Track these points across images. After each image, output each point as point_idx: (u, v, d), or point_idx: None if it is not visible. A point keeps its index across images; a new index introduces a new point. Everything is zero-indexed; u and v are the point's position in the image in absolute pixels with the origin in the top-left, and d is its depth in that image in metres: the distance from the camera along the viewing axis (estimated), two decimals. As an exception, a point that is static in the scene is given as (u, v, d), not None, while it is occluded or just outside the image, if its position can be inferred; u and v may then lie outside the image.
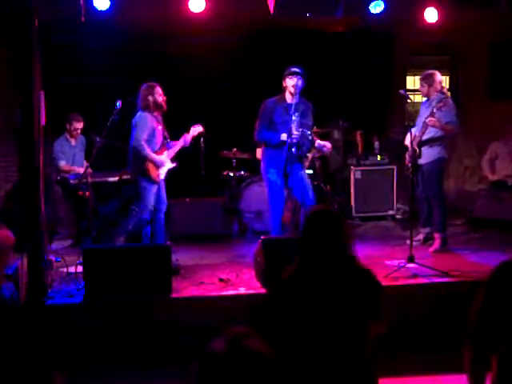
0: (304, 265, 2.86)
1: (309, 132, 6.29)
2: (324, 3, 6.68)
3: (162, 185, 6.35)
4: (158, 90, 6.16)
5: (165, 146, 6.33)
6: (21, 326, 4.42)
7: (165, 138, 6.34)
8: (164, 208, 6.39)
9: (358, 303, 2.79)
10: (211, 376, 1.63)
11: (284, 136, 6.15)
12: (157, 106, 6.16)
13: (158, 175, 6.19)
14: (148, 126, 6.11)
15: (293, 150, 6.16)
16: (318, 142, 6.53)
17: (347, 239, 2.89)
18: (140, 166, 6.14)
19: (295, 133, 6.12)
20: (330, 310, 2.78)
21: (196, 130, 6.46)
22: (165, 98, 6.19)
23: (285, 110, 6.24)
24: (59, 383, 2.98)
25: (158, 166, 6.17)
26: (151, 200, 6.19)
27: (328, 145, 6.56)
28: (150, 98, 6.12)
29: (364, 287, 2.83)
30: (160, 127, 6.24)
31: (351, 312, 2.78)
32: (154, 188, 6.21)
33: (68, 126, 7.55)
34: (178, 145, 6.38)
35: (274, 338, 2.58)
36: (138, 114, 6.16)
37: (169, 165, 6.30)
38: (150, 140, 6.14)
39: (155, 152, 6.19)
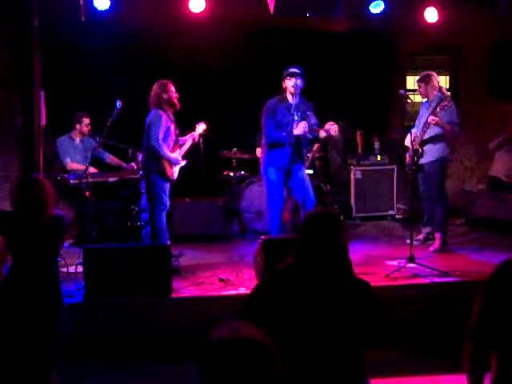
0: (299, 262, 2.86)
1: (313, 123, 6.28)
2: (324, 3, 6.69)
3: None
4: (171, 87, 6.14)
5: (177, 145, 6.34)
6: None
7: (176, 136, 6.35)
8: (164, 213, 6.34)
9: (348, 309, 2.79)
10: (216, 363, 1.63)
11: (298, 129, 6.14)
12: (170, 103, 6.13)
13: (173, 173, 6.20)
14: (163, 124, 6.08)
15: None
16: (323, 130, 6.26)
17: (344, 242, 2.89)
18: (156, 164, 6.12)
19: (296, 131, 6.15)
20: (316, 310, 2.77)
21: (201, 127, 6.50)
22: (177, 96, 6.17)
23: (287, 111, 6.24)
24: (55, 381, 2.99)
25: (173, 164, 6.19)
26: (166, 199, 6.19)
27: (331, 126, 6.21)
28: (164, 96, 6.08)
29: (359, 296, 2.83)
30: (172, 125, 6.24)
31: (339, 315, 2.77)
32: (168, 186, 6.22)
33: (78, 126, 7.46)
34: (187, 143, 6.41)
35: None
36: (152, 112, 6.13)
37: (181, 163, 6.32)
38: (165, 138, 6.12)
39: (170, 150, 6.20)
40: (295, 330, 2.78)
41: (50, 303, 4.30)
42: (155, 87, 6.14)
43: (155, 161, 6.12)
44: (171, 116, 6.24)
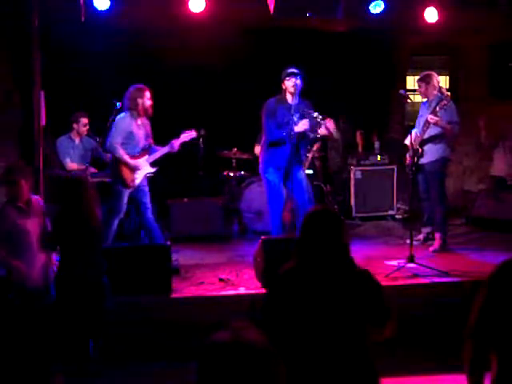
0: (301, 263, 2.86)
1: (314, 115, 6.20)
2: (324, 3, 6.69)
3: (146, 191, 6.18)
4: (147, 93, 6.03)
5: (146, 151, 6.16)
6: (21, 325, 4.43)
7: (148, 143, 6.18)
8: (149, 213, 6.18)
9: (356, 303, 2.79)
10: (215, 365, 1.63)
11: (301, 125, 6.14)
12: (143, 109, 6.02)
13: (133, 180, 6.02)
14: (124, 128, 5.98)
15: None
16: (321, 129, 6.28)
17: (346, 240, 2.88)
18: (114, 169, 6.04)
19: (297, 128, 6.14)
20: (327, 308, 2.77)
21: (188, 135, 6.27)
22: (151, 103, 6.05)
23: (287, 111, 6.23)
24: (59, 382, 3.00)
25: (132, 169, 6.01)
26: (122, 205, 6.03)
27: (328, 123, 6.21)
28: (140, 101, 5.99)
29: (363, 288, 2.82)
30: (141, 131, 6.08)
31: (348, 311, 2.77)
32: (127, 192, 6.05)
33: (76, 126, 7.41)
34: (161, 150, 6.20)
35: (273, 334, 2.59)
36: (121, 115, 6.07)
37: (147, 169, 6.13)
38: (126, 143, 6.00)
39: (134, 156, 6.04)
40: (309, 329, 2.77)
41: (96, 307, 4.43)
42: (131, 91, 6.03)
43: (113, 164, 6.05)
44: (144, 121, 6.10)
